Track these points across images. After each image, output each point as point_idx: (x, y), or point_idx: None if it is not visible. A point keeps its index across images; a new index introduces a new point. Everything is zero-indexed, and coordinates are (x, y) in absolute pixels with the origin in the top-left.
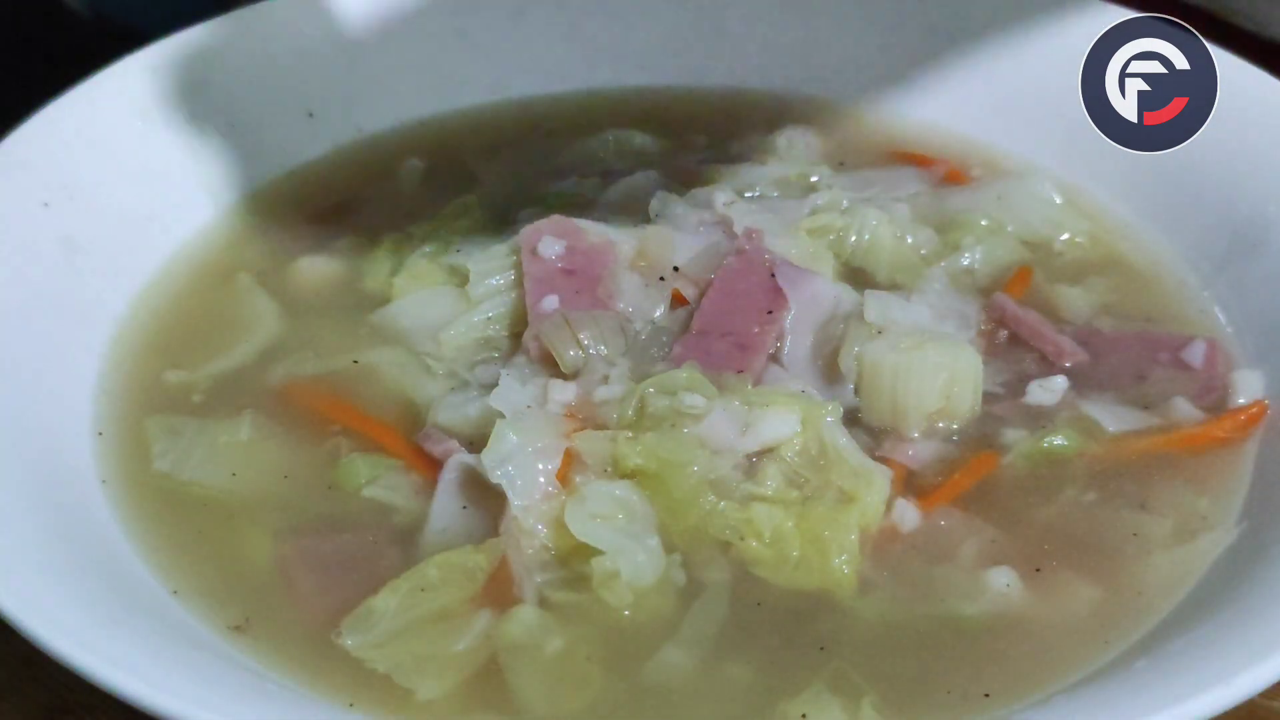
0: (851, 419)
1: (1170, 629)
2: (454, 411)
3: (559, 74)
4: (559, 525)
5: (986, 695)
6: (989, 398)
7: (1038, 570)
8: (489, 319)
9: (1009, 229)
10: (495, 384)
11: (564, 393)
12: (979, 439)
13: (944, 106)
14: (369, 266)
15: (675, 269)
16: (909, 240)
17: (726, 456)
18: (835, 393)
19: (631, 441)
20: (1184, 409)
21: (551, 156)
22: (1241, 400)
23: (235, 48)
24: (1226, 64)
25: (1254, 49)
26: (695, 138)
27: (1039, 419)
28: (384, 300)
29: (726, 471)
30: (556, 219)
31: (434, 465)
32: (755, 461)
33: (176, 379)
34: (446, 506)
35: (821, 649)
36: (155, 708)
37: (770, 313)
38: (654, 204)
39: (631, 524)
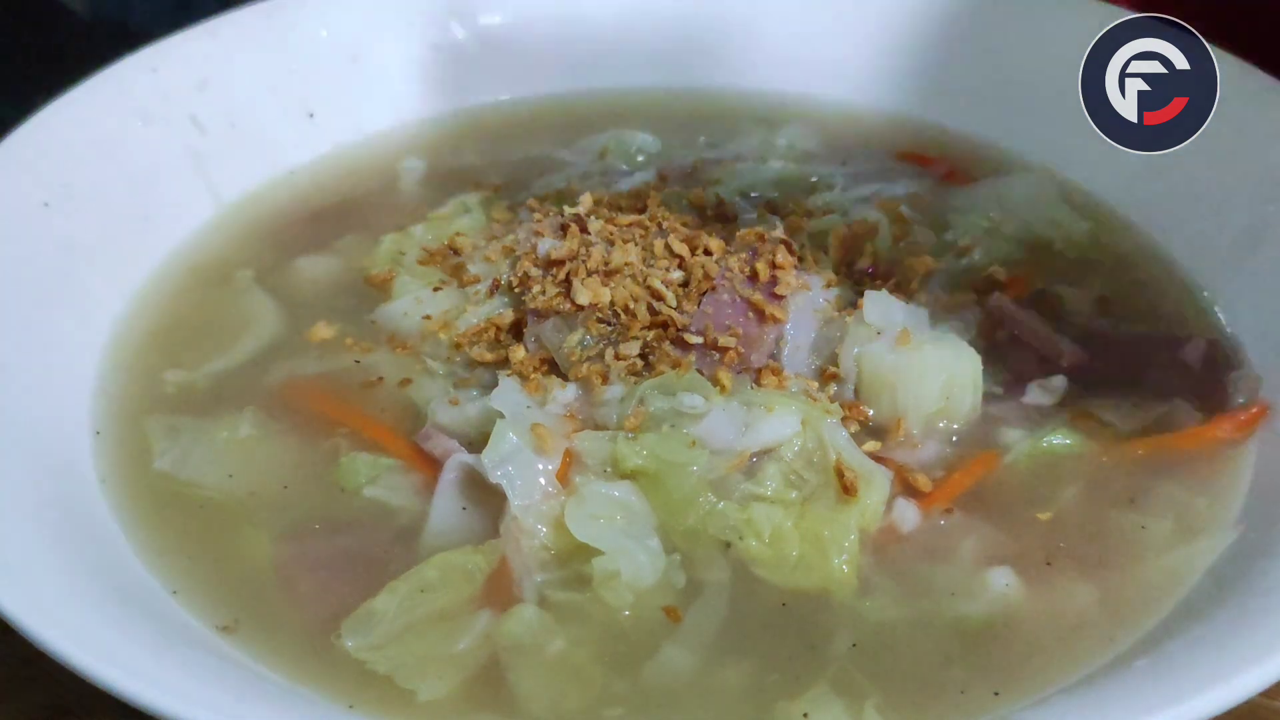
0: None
1: (1170, 629)
2: (454, 411)
3: (559, 74)
4: (559, 525)
5: (996, 694)
6: (989, 398)
7: (1038, 570)
8: (489, 319)
9: (1009, 229)
10: (495, 384)
11: (564, 393)
12: (979, 439)
13: (944, 106)
14: (369, 266)
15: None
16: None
17: (726, 457)
18: (835, 393)
19: (631, 442)
20: (1184, 409)
21: (551, 156)
22: (1241, 400)
23: (235, 48)
24: (1226, 64)
25: None
26: (695, 138)
27: (1039, 419)
28: (384, 300)
29: (726, 472)
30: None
31: (434, 465)
32: (755, 461)
33: (176, 378)
34: (446, 507)
35: (822, 649)
36: (154, 707)
37: (769, 314)
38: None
39: (631, 524)
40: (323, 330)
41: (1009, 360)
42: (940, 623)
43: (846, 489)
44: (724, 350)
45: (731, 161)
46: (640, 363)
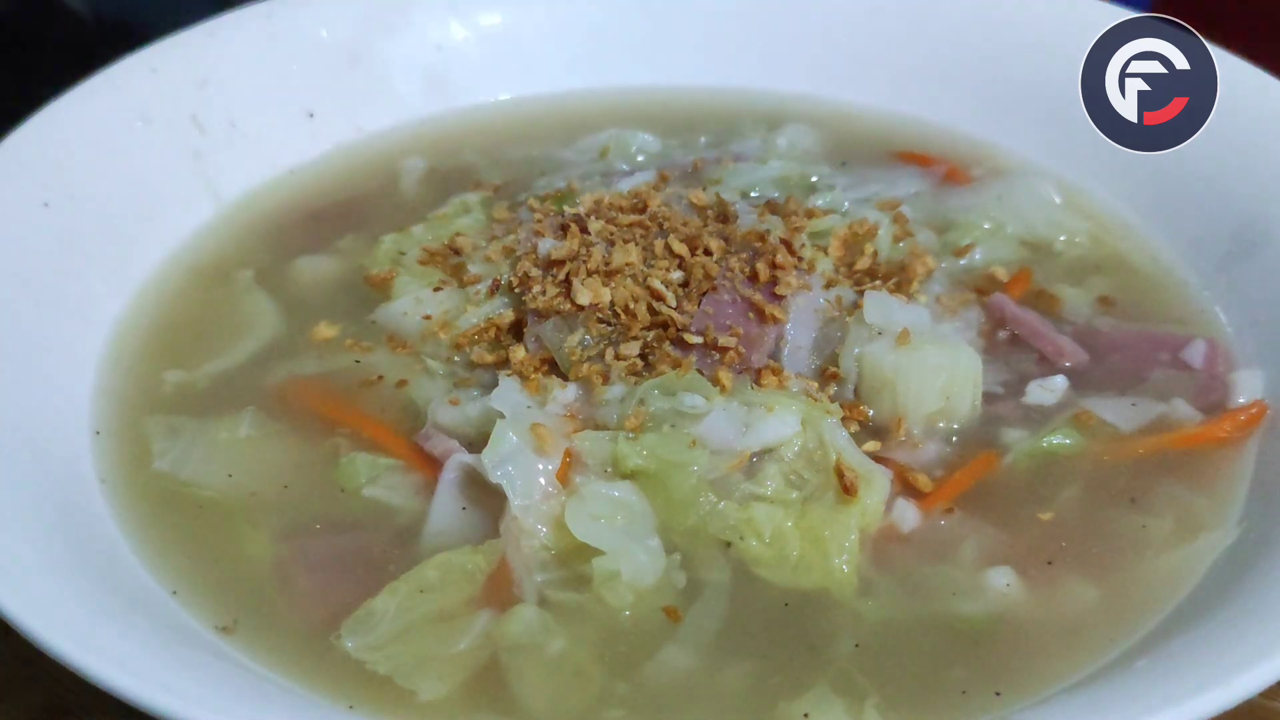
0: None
1: (1170, 629)
2: (454, 411)
3: (559, 74)
4: (559, 525)
5: (997, 694)
6: (989, 398)
7: (1039, 570)
8: (489, 319)
9: (1009, 229)
10: (495, 384)
11: (564, 393)
12: (979, 439)
13: (944, 106)
14: (369, 266)
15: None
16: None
17: (726, 457)
18: (835, 393)
19: (632, 442)
20: (1184, 409)
21: (551, 156)
22: (1241, 400)
23: (235, 48)
24: (1226, 64)
25: None
26: (695, 138)
27: (1039, 419)
28: (384, 299)
29: (726, 472)
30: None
31: (434, 465)
32: (755, 461)
33: (176, 378)
34: (446, 506)
35: (823, 649)
36: (153, 707)
37: (769, 314)
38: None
39: (631, 524)
40: (323, 330)
41: (1009, 360)
42: (941, 623)
43: (847, 489)
44: (724, 350)
45: (731, 161)
46: (640, 363)
